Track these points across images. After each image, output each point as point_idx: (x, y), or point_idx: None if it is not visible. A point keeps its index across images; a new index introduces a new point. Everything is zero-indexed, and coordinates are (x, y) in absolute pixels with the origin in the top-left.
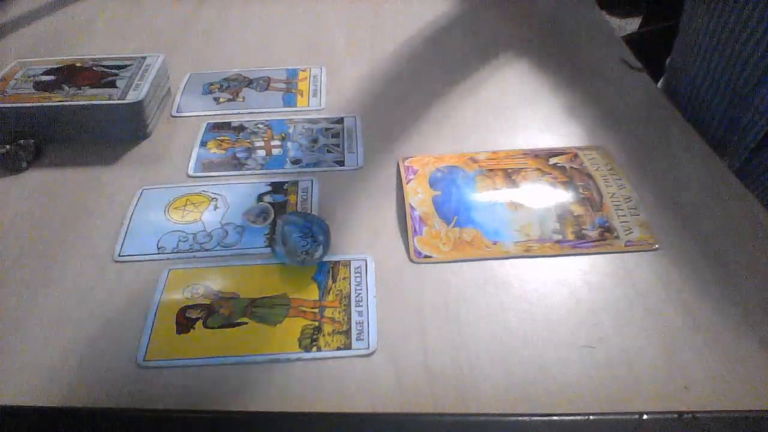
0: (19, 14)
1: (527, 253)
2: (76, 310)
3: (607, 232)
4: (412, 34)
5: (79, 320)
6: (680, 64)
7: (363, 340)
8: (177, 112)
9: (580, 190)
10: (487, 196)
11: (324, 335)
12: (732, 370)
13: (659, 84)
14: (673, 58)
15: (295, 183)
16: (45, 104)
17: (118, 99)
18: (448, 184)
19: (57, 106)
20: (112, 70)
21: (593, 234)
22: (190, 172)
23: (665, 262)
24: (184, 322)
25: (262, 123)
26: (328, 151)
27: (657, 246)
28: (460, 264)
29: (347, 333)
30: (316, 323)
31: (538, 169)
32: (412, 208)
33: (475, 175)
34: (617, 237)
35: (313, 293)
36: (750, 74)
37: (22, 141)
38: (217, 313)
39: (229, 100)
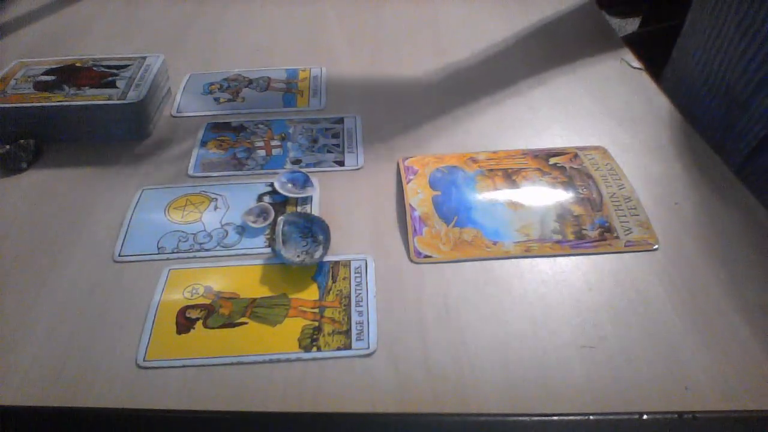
0: (19, 14)
1: (527, 253)
2: (76, 310)
3: (607, 232)
4: (413, 34)
5: (79, 320)
6: (680, 66)
7: (363, 340)
8: (177, 112)
9: (580, 191)
10: (487, 196)
11: (324, 335)
12: (732, 370)
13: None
14: (673, 59)
15: None
16: (45, 104)
17: (118, 99)
18: (448, 184)
19: (57, 106)
20: (112, 70)
21: (593, 234)
22: (190, 172)
23: (665, 262)
24: (184, 322)
25: (262, 123)
26: (328, 151)
27: (657, 246)
28: (460, 264)
29: (347, 333)
30: (316, 323)
31: (538, 169)
32: (412, 208)
33: (475, 175)
34: (617, 237)
35: (313, 293)
36: (748, 81)
37: (22, 141)
38: (217, 313)
39: (229, 100)
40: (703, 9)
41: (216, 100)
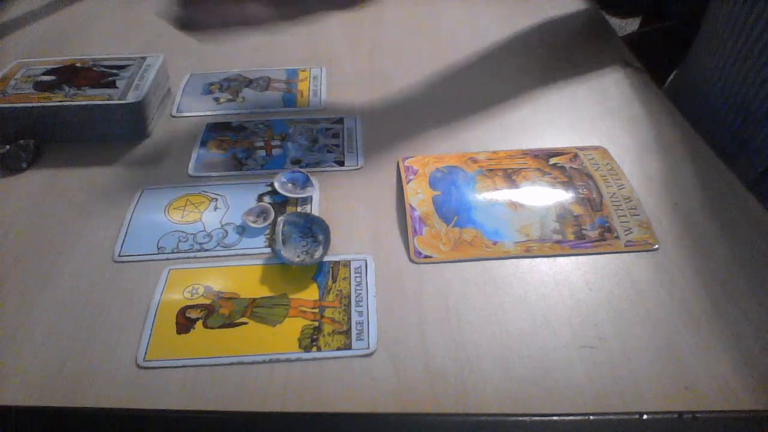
0: (19, 14)
1: (527, 253)
2: (75, 310)
3: (607, 232)
4: (412, 34)
5: (79, 320)
6: (694, 70)
7: (363, 340)
8: (177, 112)
9: (580, 190)
10: (487, 196)
11: (324, 335)
12: (732, 370)
13: (666, 84)
14: (687, 62)
15: None
16: (45, 104)
17: (118, 99)
18: (448, 184)
19: (57, 106)
20: (112, 70)
21: (593, 234)
22: (190, 172)
23: (665, 262)
24: (184, 322)
25: (262, 123)
26: (328, 151)
27: (657, 246)
28: (460, 264)
29: (347, 333)
30: (316, 323)
31: (538, 169)
32: (412, 208)
33: (475, 175)
34: (617, 237)
35: (313, 293)
36: (766, 97)
37: (22, 141)
38: (217, 313)
39: (229, 100)
40: (721, 17)
41: (216, 100)
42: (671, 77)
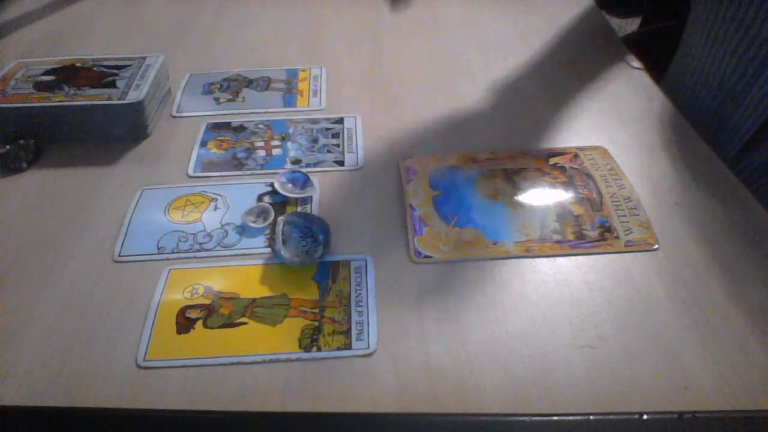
0: (19, 14)
1: (527, 253)
2: (76, 310)
3: (607, 232)
4: (412, 34)
5: (79, 320)
6: (682, 63)
7: (363, 340)
8: (177, 112)
9: (580, 191)
10: (487, 196)
11: (324, 335)
12: (732, 370)
13: (662, 82)
14: (676, 57)
15: None
16: (45, 104)
17: (118, 99)
18: (448, 184)
19: (57, 106)
20: (112, 70)
21: (593, 234)
22: (190, 172)
23: (665, 262)
24: (184, 322)
25: (262, 123)
26: (328, 151)
27: (657, 246)
28: (460, 264)
29: (347, 333)
30: (316, 323)
31: (538, 169)
32: (412, 208)
33: (475, 175)
34: (617, 237)
35: (313, 293)
36: (741, 74)
37: (22, 141)
38: (217, 313)
39: (229, 100)
40: (702, 4)
41: (216, 100)
42: (667, 73)
